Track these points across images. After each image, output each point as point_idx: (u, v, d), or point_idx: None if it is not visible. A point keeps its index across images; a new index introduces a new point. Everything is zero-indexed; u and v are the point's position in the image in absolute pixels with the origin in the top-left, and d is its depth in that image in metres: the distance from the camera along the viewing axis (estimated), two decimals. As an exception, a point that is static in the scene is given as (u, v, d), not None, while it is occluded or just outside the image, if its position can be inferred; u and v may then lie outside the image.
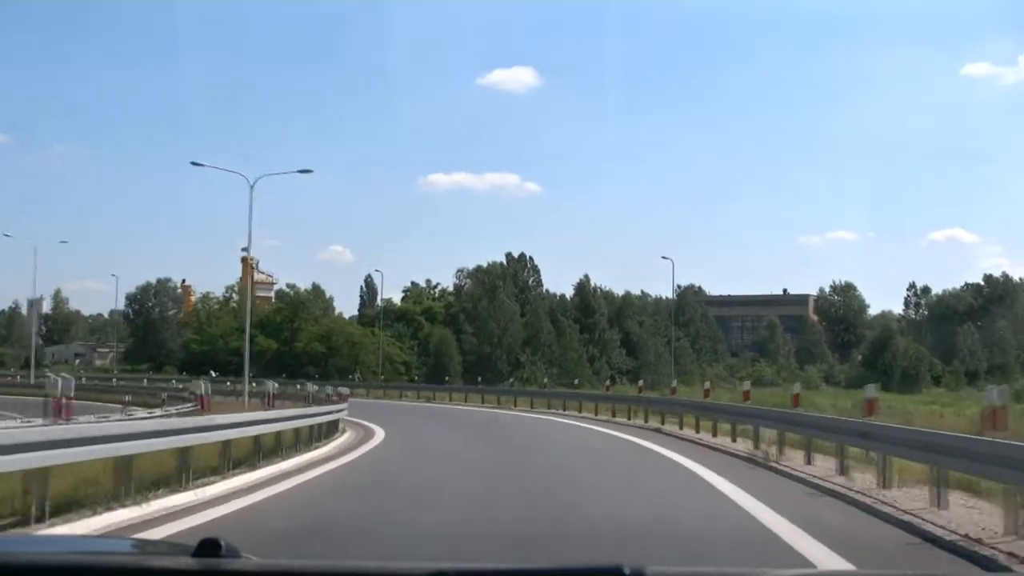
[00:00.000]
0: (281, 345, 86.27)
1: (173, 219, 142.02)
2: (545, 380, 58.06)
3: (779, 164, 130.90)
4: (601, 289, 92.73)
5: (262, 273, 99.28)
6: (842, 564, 6.99)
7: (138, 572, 2.21)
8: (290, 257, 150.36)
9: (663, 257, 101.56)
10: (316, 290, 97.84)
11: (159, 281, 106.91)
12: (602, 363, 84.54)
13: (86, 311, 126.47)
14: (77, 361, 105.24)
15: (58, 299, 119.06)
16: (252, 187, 37.25)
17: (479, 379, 61.20)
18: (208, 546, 2.11)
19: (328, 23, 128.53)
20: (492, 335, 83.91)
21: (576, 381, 64.04)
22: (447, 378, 68.28)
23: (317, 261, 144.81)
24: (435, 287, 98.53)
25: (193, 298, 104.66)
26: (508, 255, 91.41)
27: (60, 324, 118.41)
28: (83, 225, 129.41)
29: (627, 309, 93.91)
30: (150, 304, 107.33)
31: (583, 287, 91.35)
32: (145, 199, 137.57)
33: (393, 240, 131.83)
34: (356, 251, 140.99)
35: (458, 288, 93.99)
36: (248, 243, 39.66)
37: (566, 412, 34.84)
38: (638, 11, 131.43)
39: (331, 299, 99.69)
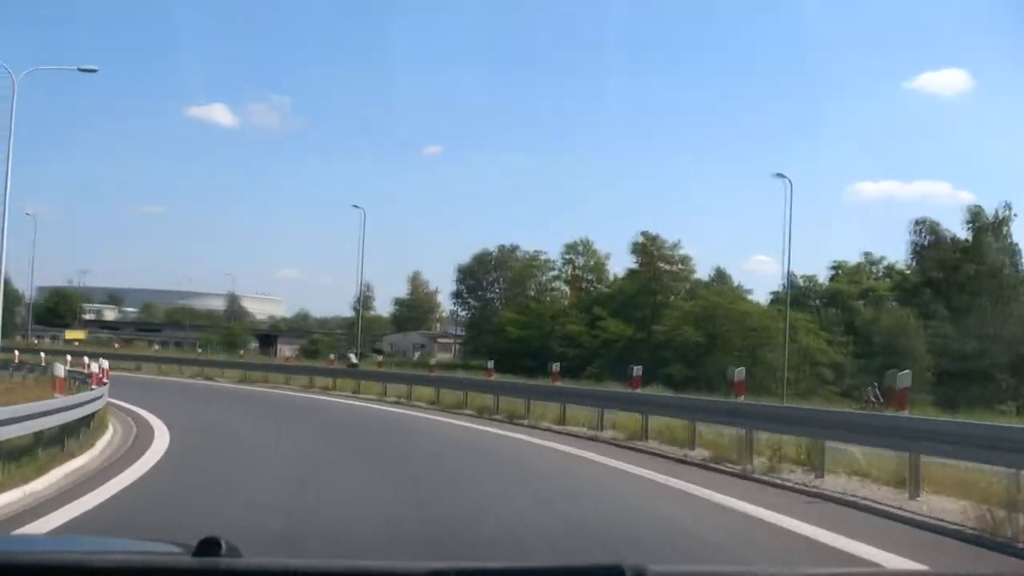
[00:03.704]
0: (636, 331, 59.43)
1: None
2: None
3: None
4: None
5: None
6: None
7: (138, 571, 2.12)
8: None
9: None
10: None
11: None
12: None
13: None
14: (417, 355, 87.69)
15: (416, 282, 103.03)
16: None
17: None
18: (208, 545, 2.08)
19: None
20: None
21: None
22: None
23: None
24: (879, 262, 66.54)
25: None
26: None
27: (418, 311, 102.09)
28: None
29: None
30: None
31: None
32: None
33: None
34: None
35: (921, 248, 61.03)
36: None
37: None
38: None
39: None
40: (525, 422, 20.18)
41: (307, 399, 27.92)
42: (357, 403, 26.54)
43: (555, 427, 19.07)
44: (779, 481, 11.26)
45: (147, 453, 12.62)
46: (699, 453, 13.92)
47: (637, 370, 18.54)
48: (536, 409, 21.07)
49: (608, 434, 17.19)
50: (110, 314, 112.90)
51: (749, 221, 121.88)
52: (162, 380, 36.79)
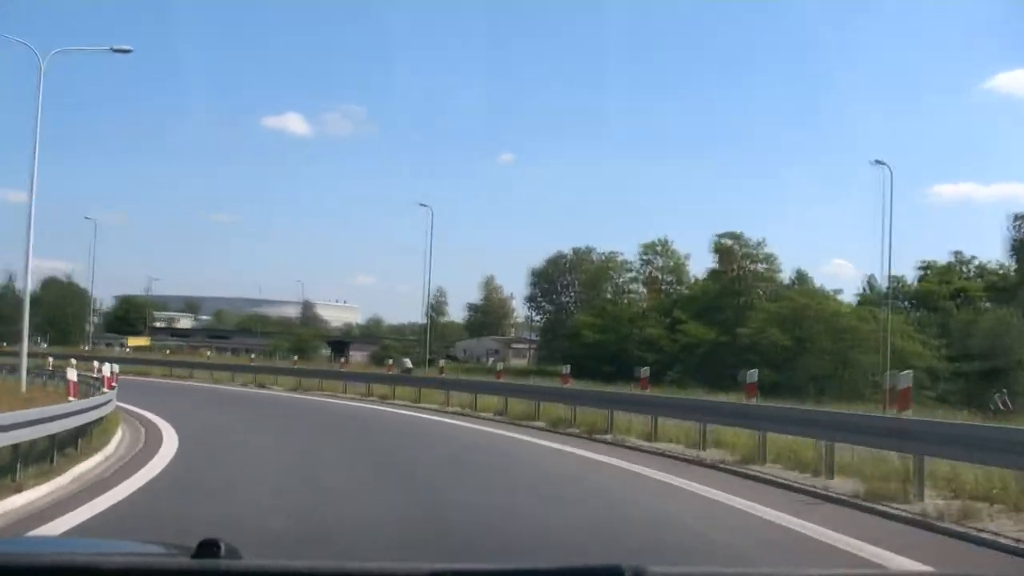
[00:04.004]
0: (719, 334, 55.70)
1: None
2: None
3: None
4: None
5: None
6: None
7: (138, 573, 2.10)
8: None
9: None
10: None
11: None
12: None
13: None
14: (491, 360, 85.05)
15: (490, 286, 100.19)
16: None
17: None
18: (208, 547, 2.06)
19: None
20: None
21: None
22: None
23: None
24: (969, 261, 61.77)
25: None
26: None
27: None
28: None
29: None
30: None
31: None
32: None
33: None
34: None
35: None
36: None
37: None
38: None
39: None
40: (608, 437, 17.08)
41: (356, 410, 25.26)
42: (413, 414, 23.71)
43: (644, 444, 15.92)
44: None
45: (132, 477, 9.93)
46: (843, 484, 10.60)
47: (751, 375, 15.25)
48: (619, 421, 17.95)
49: (713, 454, 13.97)
50: (186, 321, 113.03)
51: (827, 224, 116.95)
52: (208, 388, 34.71)
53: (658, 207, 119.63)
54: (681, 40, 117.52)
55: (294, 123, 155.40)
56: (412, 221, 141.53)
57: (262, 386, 35.41)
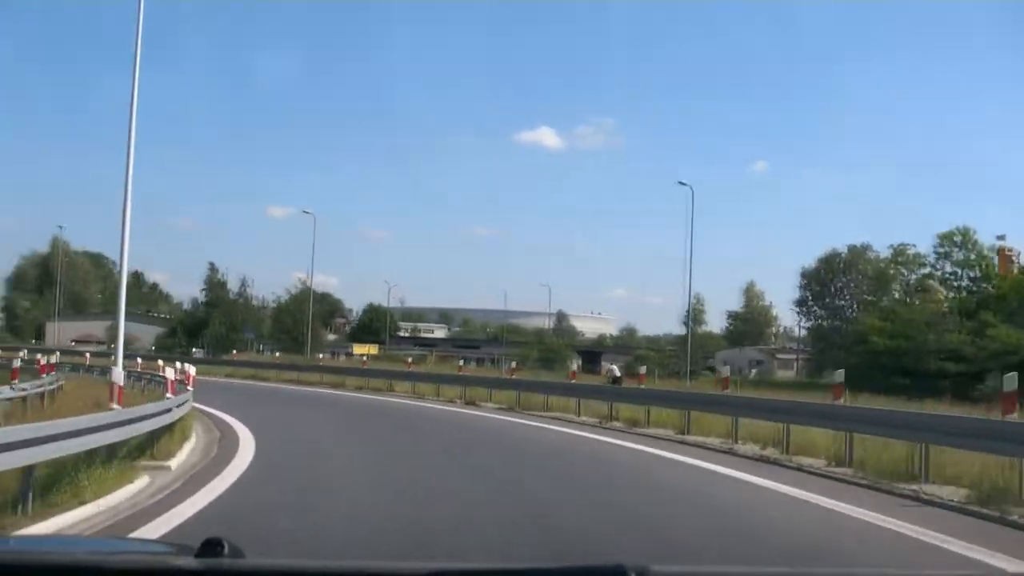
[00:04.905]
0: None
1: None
2: None
3: None
4: None
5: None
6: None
7: (141, 572, 2.13)
8: None
9: None
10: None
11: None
12: None
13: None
14: (753, 372, 76.91)
15: (751, 293, 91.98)
16: None
17: None
18: (211, 546, 2.06)
19: None
20: None
21: None
22: None
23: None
24: None
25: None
26: None
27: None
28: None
29: None
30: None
31: None
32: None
33: None
34: None
35: None
36: None
37: None
38: None
39: None
40: (914, 490, 9.80)
41: (535, 434, 19.05)
42: (621, 444, 17.04)
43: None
44: None
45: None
46: None
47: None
48: (937, 460, 10.75)
49: None
50: (439, 332, 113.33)
51: None
52: (365, 399, 29.72)
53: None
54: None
55: (546, 137, 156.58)
56: (665, 233, 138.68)
57: (472, 403, 27.85)
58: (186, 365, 20.57)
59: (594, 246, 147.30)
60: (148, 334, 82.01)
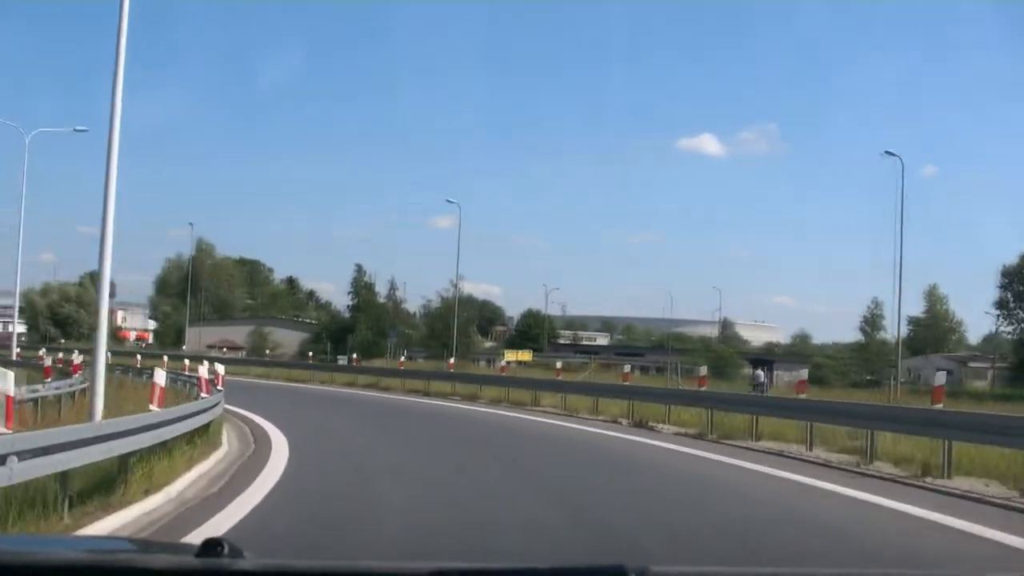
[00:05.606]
0: None
1: None
2: None
3: None
4: None
5: None
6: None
7: (142, 572, 2.13)
8: None
9: None
10: None
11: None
12: None
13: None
14: (936, 381, 70.32)
15: (933, 296, 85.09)
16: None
17: None
18: (212, 546, 2.07)
19: None
20: None
21: None
22: None
23: None
24: None
25: None
26: None
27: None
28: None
29: None
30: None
31: None
32: None
33: None
34: None
35: None
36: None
37: None
38: None
39: None
40: None
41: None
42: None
43: None
44: None
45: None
46: None
47: None
48: None
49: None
50: (602, 339, 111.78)
51: None
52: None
53: None
54: None
55: (708, 144, 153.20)
56: (831, 240, 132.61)
57: (642, 426, 21.52)
58: (216, 365, 20.77)
59: (759, 254, 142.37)
60: (293, 339, 79.75)
